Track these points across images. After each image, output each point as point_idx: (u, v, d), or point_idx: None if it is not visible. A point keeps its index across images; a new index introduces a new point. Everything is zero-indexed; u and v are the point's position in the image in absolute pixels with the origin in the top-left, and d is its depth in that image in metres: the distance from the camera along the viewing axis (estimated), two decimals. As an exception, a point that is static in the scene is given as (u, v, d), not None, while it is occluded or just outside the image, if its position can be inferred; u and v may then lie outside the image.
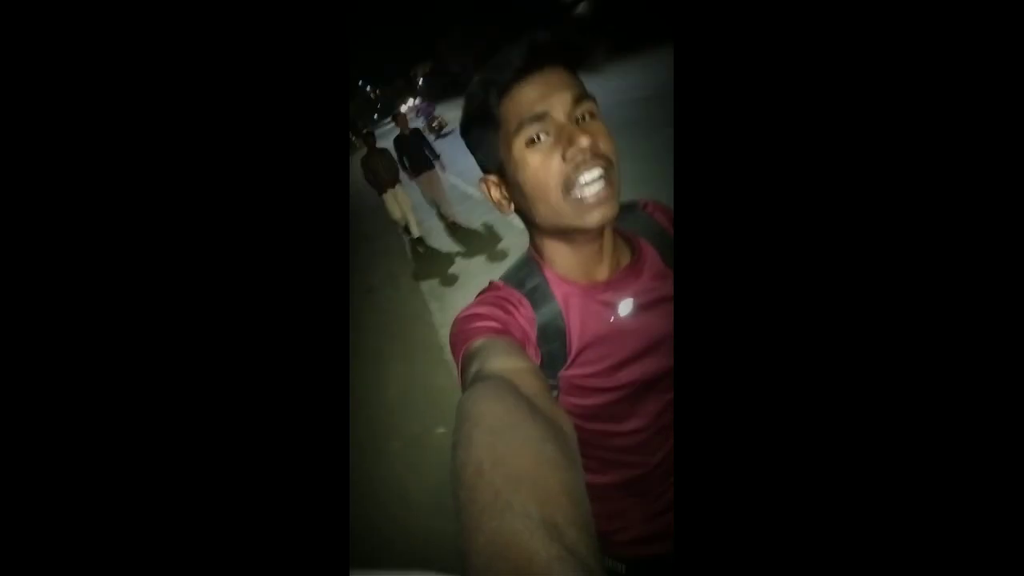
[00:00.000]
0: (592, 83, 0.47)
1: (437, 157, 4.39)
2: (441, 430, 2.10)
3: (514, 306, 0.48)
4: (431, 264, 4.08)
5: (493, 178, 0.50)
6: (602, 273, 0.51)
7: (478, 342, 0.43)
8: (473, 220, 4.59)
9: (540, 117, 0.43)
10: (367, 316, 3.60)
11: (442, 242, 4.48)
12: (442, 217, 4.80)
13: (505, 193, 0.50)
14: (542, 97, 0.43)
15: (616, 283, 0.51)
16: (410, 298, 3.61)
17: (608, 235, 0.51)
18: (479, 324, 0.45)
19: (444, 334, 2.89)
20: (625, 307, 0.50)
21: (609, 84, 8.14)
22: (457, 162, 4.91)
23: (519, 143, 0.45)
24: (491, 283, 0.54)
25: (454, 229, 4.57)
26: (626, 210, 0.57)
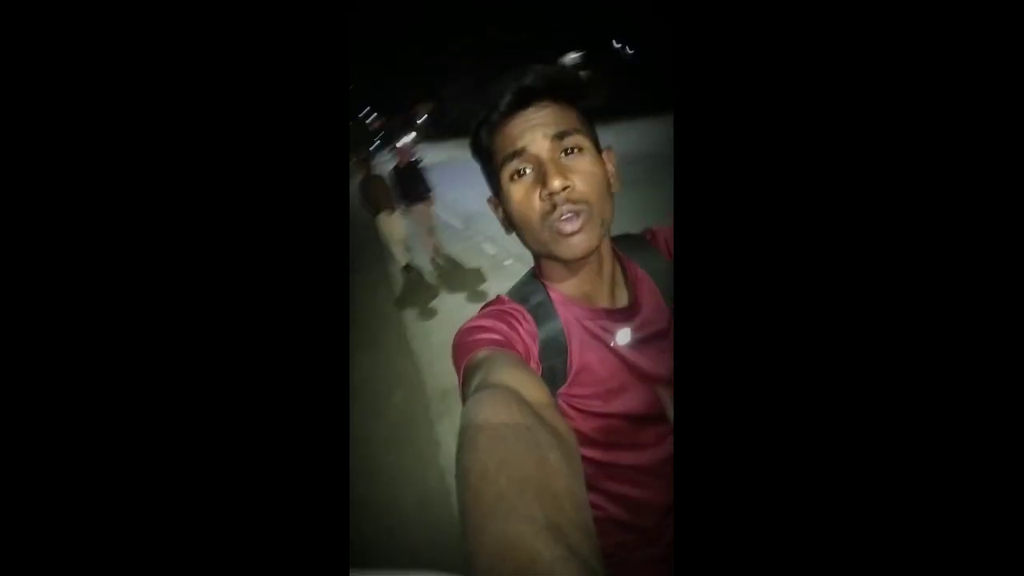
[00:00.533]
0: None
1: (430, 190, 4.55)
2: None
3: (517, 320, 0.49)
4: (416, 293, 4.13)
5: (496, 200, 0.53)
6: (602, 298, 0.53)
7: (481, 353, 0.44)
8: (459, 253, 4.71)
9: (518, 153, 0.46)
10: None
11: (428, 272, 4.57)
12: (434, 252, 4.90)
13: (504, 217, 0.52)
14: (522, 134, 0.45)
15: (617, 314, 0.52)
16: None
17: (608, 260, 0.52)
18: (483, 336, 0.46)
19: (424, 358, 2.91)
20: (623, 336, 0.51)
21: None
22: (447, 196, 5.03)
23: (504, 177, 0.47)
24: (496, 297, 0.55)
25: (440, 261, 4.67)
26: (633, 241, 0.59)
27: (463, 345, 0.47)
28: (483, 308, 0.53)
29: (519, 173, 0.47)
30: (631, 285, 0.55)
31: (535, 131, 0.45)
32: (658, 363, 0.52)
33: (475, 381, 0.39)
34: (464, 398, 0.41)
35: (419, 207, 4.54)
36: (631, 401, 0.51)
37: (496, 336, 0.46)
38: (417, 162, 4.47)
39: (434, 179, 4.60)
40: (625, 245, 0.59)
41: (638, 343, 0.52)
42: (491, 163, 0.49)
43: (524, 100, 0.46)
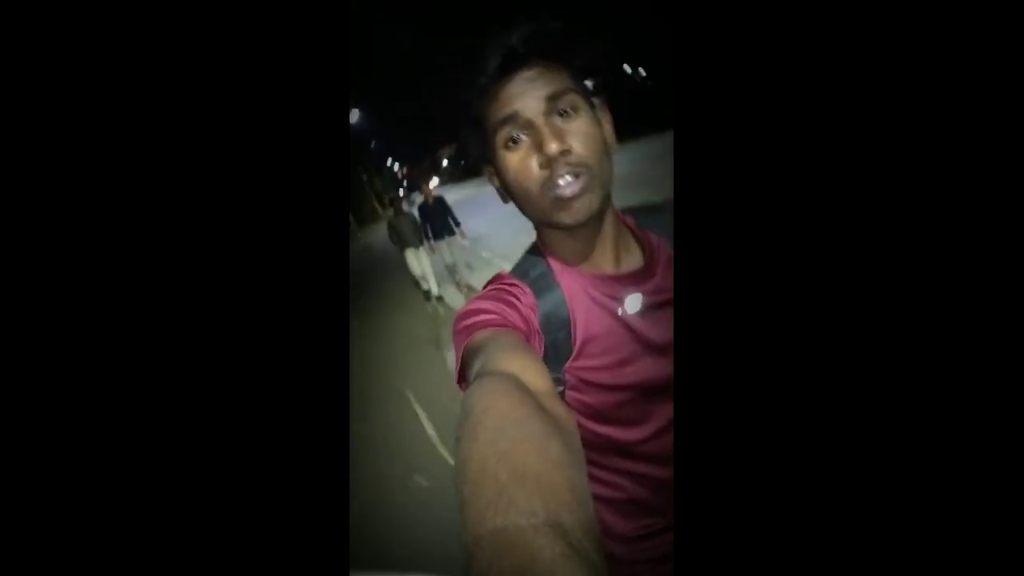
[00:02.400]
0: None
1: (458, 224, 4.69)
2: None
3: (516, 296, 0.48)
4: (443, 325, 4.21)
5: (491, 168, 0.50)
6: (607, 263, 0.51)
7: (481, 336, 0.42)
8: (482, 281, 4.79)
9: (510, 118, 0.44)
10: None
11: (457, 304, 4.66)
12: (458, 284, 5.04)
13: (500, 185, 0.50)
14: (513, 98, 0.43)
15: (626, 279, 0.50)
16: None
17: (610, 225, 0.50)
18: (482, 318, 0.45)
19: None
20: (633, 302, 0.49)
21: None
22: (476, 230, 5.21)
23: (498, 144, 0.45)
24: (497, 275, 0.54)
25: (468, 293, 4.75)
26: (653, 211, 0.58)
27: (462, 328, 0.45)
28: (484, 287, 0.52)
29: (513, 140, 0.45)
30: (646, 251, 0.53)
31: (526, 94, 0.43)
32: (669, 329, 0.50)
33: (476, 366, 0.38)
34: (465, 382, 0.40)
35: (448, 240, 4.71)
36: (643, 372, 0.49)
37: (495, 316, 0.45)
38: (441, 199, 4.66)
39: (460, 215, 4.78)
40: (646, 216, 0.57)
41: (650, 310, 0.49)
42: (484, 131, 0.47)
43: (512, 63, 0.44)
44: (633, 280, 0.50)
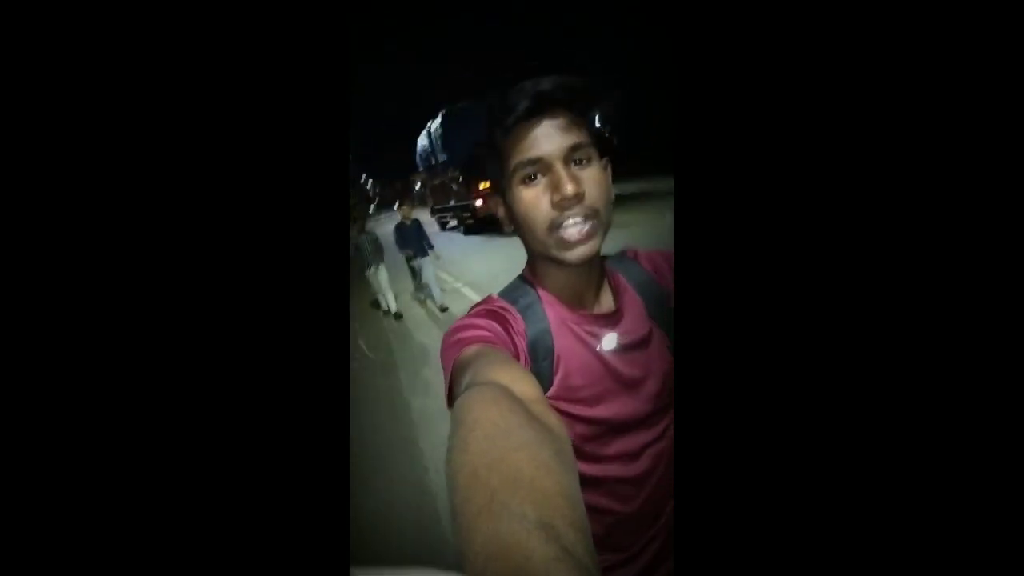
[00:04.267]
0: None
1: (432, 247, 4.75)
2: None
3: (507, 319, 0.50)
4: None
5: (499, 198, 0.54)
6: (590, 303, 0.55)
7: (471, 350, 0.43)
8: (449, 301, 4.86)
9: (534, 162, 0.47)
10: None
11: (418, 320, 4.64)
12: (423, 302, 5.05)
13: (505, 215, 0.54)
14: (538, 142, 0.47)
15: (601, 320, 0.54)
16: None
17: (599, 270, 0.55)
18: (473, 333, 0.46)
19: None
20: (609, 341, 0.53)
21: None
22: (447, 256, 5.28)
23: (516, 180, 0.49)
24: (487, 297, 0.56)
25: (438, 312, 4.73)
26: (617, 258, 0.62)
27: (453, 343, 0.46)
28: (473, 308, 0.53)
29: (530, 177, 0.48)
30: (616, 293, 0.57)
31: (551, 142, 0.47)
32: (637, 368, 0.53)
33: (464, 379, 0.39)
34: (452, 397, 0.41)
35: (420, 261, 4.76)
36: (614, 407, 0.52)
37: (485, 333, 0.47)
38: (418, 221, 4.71)
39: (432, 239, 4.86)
40: (609, 260, 0.61)
41: (621, 348, 0.53)
42: (502, 163, 0.51)
43: (541, 107, 0.47)
44: (608, 321, 0.54)
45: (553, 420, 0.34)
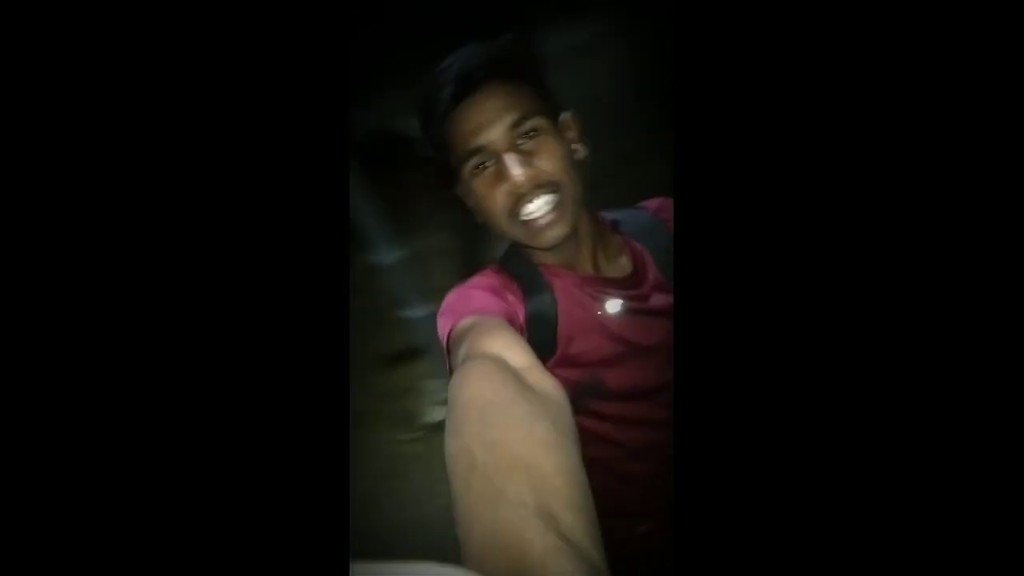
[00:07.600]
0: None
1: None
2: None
3: (504, 289, 0.48)
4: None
5: (460, 190, 0.50)
6: (584, 264, 0.51)
7: (466, 321, 0.42)
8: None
9: (477, 151, 0.43)
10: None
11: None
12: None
13: (473, 207, 0.50)
14: (477, 128, 0.42)
15: (613, 283, 0.50)
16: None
17: (586, 228, 0.50)
18: (468, 303, 0.45)
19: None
20: (613, 305, 0.49)
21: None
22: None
23: (465, 172, 0.45)
24: (484, 267, 0.53)
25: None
26: (633, 213, 0.57)
27: (448, 313, 0.45)
28: (472, 278, 0.51)
29: (480, 166, 0.44)
30: (630, 257, 0.53)
31: (491, 124, 0.42)
32: (652, 335, 0.49)
33: (460, 352, 0.38)
34: (450, 368, 0.40)
35: None
36: (623, 375, 0.49)
37: (481, 304, 0.45)
38: None
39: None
40: (630, 221, 0.56)
41: (633, 314, 0.50)
42: (448, 158, 0.47)
43: (469, 87, 0.43)
44: (617, 285, 0.50)
45: (548, 384, 0.33)
